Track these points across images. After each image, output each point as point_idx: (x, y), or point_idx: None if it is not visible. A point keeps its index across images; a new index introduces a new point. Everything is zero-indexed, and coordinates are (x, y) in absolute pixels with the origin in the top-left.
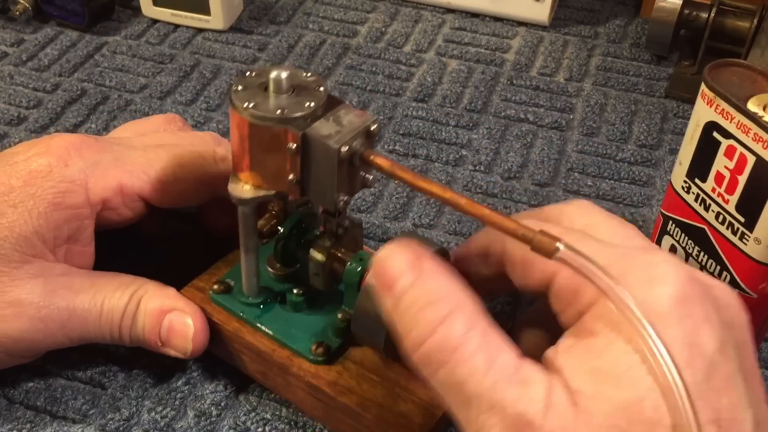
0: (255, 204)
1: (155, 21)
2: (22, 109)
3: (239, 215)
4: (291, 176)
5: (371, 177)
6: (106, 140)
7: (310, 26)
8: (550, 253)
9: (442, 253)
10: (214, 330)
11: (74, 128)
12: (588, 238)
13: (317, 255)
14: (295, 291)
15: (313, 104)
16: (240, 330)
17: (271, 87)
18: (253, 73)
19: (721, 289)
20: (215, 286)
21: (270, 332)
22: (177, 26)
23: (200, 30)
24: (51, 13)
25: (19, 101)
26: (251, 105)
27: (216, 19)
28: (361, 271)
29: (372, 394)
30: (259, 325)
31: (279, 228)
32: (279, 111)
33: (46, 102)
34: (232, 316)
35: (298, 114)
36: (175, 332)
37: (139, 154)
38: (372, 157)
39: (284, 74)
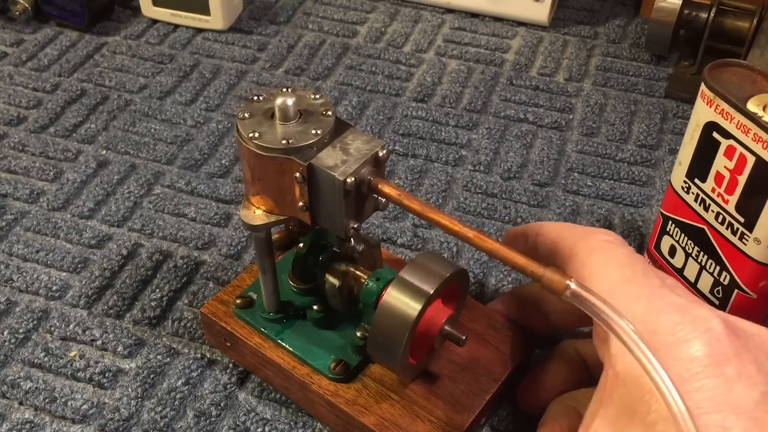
0: (267, 229)
1: (155, 21)
2: (22, 109)
3: (253, 239)
4: (300, 203)
5: (384, 200)
6: None
7: (310, 26)
8: (560, 291)
9: (462, 275)
10: (237, 344)
11: (74, 128)
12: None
13: (332, 280)
14: (315, 308)
15: (320, 131)
16: (262, 345)
17: (277, 115)
18: (260, 97)
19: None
20: (237, 301)
21: (290, 348)
22: (177, 26)
23: (200, 30)
24: (51, 13)
25: (18, 101)
26: (256, 135)
27: (216, 19)
28: (377, 290)
29: (390, 414)
30: (280, 341)
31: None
32: (284, 141)
33: (46, 102)
34: (254, 331)
35: (304, 143)
36: None
37: None
38: (380, 185)
39: (290, 101)
